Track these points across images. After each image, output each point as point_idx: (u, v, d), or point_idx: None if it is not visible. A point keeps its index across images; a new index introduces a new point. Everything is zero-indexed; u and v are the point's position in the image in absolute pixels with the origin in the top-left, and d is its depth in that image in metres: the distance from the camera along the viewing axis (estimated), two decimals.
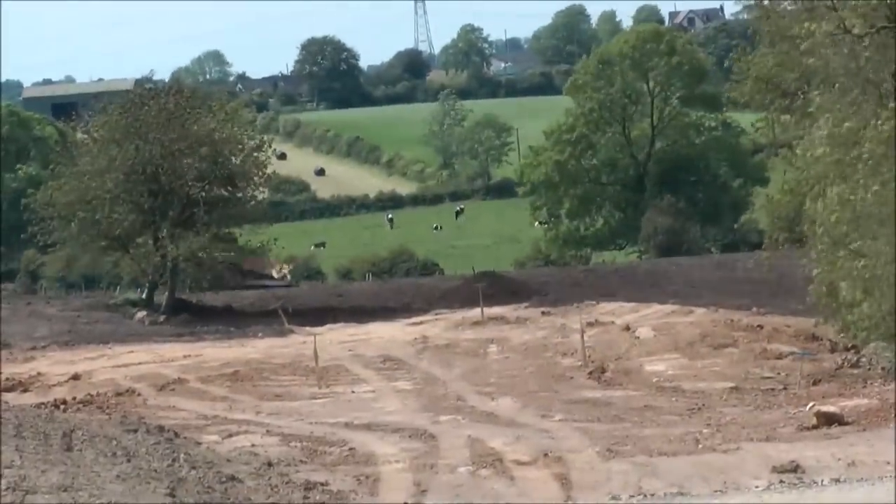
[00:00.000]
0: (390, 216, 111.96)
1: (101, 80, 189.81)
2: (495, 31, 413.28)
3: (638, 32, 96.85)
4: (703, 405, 27.83)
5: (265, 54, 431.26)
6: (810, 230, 30.26)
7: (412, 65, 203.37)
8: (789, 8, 34.39)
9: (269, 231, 61.67)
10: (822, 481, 18.77)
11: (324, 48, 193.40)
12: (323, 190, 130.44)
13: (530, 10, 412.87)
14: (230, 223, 59.92)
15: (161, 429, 23.27)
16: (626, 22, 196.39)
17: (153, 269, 59.37)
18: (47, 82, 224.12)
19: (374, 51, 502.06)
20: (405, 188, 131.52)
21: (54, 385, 34.53)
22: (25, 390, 33.63)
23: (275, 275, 77.81)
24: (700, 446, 22.16)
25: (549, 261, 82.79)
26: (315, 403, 30.16)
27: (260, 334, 48.72)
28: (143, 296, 60.86)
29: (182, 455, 19.61)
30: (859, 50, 28.27)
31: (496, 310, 51.44)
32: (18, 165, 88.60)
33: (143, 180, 58.89)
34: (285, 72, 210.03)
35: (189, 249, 57.22)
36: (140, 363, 39.93)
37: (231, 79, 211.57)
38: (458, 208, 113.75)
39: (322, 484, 19.13)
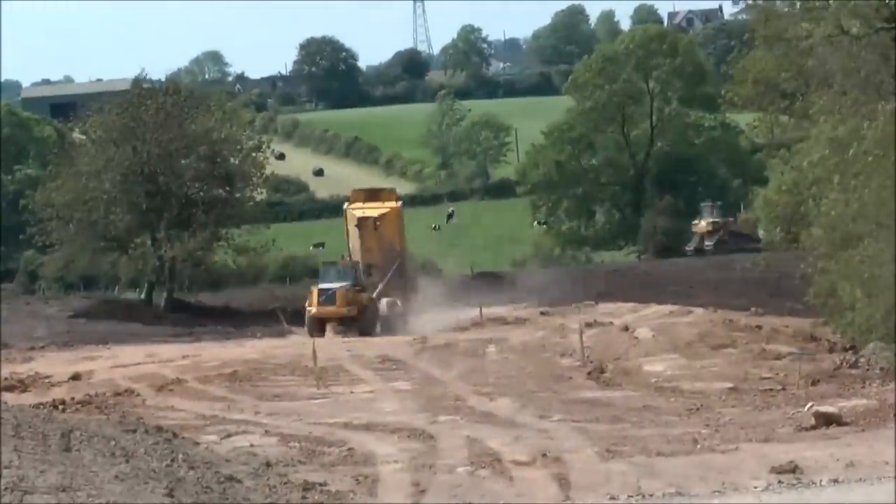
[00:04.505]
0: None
1: (99, 80, 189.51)
2: (494, 31, 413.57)
3: (643, 30, 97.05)
4: (702, 405, 27.82)
5: (264, 54, 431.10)
6: (809, 231, 30.30)
7: (411, 65, 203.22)
8: (786, 10, 34.42)
9: (267, 231, 61.74)
10: (821, 482, 18.75)
11: (323, 48, 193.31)
12: (322, 190, 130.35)
13: (530, 11, 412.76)
14: (228, 223, 59.95)
15: (159, 429, 23.25)
16: (625, 22, 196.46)
17: (151, 270, 59.40)
18: (46, 82, 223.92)
19: (373, 51, 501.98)
20: (404, 188, 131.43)
21: (53, 385, 34.51)
22: (24, 390, 33.59)
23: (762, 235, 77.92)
24: (699, 447, 22.14)
25: (548, 261, 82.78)
26: (314, 403, 30.15)
27: (259, 334, 48.74)
28: (142, 296, 60.91)
29: (180, 455, 19.59)
30: (857, 51, 28.30)
31: (495, 310, 51.49)
32: (17, 167, 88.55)
33: (140, 181, 58.99)
34: (284, 72, 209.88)
35: (186, 250, 57.28)
36: (139, 363, 39.93)
37: (229, 79, 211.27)
38: (449, 210, 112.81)
39: (320, 484, 19.11)
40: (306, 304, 49.43)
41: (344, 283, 49.10)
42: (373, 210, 53.08)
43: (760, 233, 78.82)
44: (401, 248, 53.57)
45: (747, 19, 43.04)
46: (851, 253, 27.39)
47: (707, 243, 79.82)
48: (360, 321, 48.55)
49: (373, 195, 56.14)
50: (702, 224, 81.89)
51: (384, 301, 50.34)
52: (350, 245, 53.46)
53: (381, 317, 50.11)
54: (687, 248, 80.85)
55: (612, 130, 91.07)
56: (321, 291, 48.79)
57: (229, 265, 63.86)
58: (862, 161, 26.95)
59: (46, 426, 21.22)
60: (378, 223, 52.28)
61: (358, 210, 53.34)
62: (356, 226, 52.39)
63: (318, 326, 48.16)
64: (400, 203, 55.43)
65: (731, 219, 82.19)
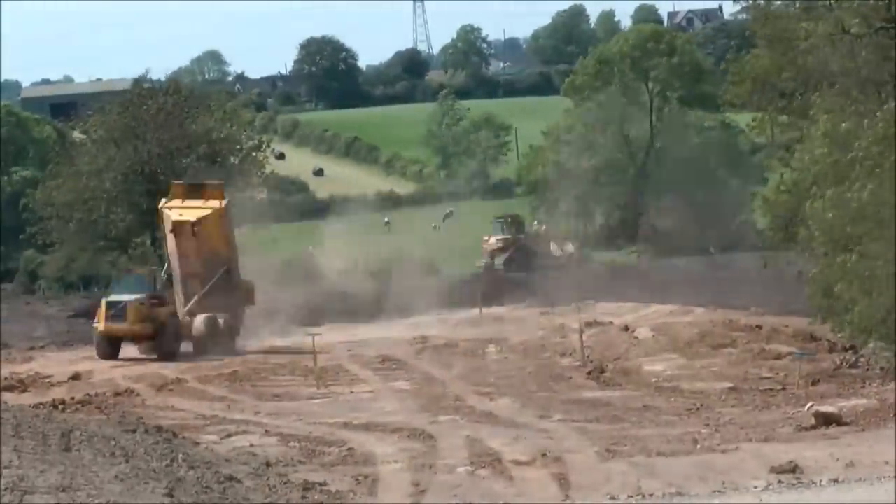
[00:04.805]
0: (387, 219, 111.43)
1: (99, 80, 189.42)
2: (494, 31, 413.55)
3: (638, 31, 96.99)
4: (702, 405, 27.84)
5: (264, 54, 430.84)
6: (808, 231, 30.28)
7: (411, 65, 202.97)
8: (787, 10, 34.46)
9: (267, 231, 61.67)
10: (821, 481, 18.77)
11: (323, 48, 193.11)
12: (322, 190, 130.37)
13: (530, 11, 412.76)
14: None
15: (159, 429, 23.28)
16: (626, 22, 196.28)
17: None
18: (46, 82, 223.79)
19: (373, 51, 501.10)
20: (404, 188, 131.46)
21: (53, 385, 34.53)
22: (24, 390, 33.61)
23: (556, 252, 77.14)
24: (699, 446, 22.16)
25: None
26: (314, 403, 30.17)
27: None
28: None
29: (180, 455, 19.61)
30: (857, 50, 28.31)
31: (495, 310, 51.48)
32: (14, 168, 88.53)
33: (141, 180, 59.01)
34: (284, 72, 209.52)
35: None
36: (138, 363, 39.95)
37: (229, 78, 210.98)
38: (447, 210, 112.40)
39: (320, 484, 19.13)
40: (93, 321, 42.29)
41: (139, 295, 41.33)
42: (191, 212, 44.20)
43: (553, 249, 77.68)
44: (229, 254, 44.49)
45: (747, 19, 43.05)
46: (850, 253, 27.37)
47: (497, 261, 75.22)
48: (156, 341, 41.35)
49: (194, 191, 45.69)
50: (491, 241, 77.12)
51: (200, 318, 42.38)
52: (167, 250, 45.32)
53: (196, 336, 42.27)
54: (478, 265, 75.81)
55: (612, 130, 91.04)
56: (110, 305, 40.97)
57: None
58: (861, 160, 26.94)
59: (46, 426, 21.25)
60: (196, 228, 43.57)
61: (174, 211, 44.56)
62: (171, 231, 44.10)
63: (108, 346, 41.05)
64: (226, 201, 45.01)
65: (521, 235, 77.82)
